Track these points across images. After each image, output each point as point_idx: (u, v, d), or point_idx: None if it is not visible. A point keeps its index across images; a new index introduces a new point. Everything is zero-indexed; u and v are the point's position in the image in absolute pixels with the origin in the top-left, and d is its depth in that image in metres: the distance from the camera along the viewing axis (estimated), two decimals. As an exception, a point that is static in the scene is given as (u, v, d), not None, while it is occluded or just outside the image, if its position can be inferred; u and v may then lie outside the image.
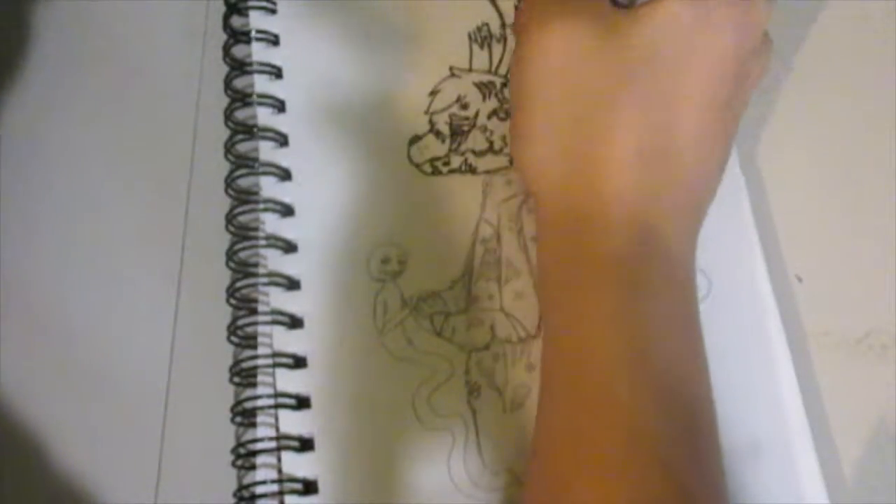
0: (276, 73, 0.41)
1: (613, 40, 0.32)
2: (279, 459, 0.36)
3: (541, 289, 0.35)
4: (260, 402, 0.37)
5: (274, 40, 0.42)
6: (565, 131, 0.33)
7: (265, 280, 0.38)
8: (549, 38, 0.33)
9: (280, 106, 0.41)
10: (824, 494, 0.35)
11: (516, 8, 0.41)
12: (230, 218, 0.39)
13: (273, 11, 0.42)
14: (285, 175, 0.40)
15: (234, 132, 0.40)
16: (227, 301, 0.38)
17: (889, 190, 0.41)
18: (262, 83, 0.41)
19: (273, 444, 0.36)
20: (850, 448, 0.37)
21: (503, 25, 0.42)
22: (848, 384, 0.38)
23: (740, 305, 0.38)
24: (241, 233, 0.39)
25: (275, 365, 0.37)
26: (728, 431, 0.36)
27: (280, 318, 0.38)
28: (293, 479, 0.36)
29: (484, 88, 0.41)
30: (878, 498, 0.36)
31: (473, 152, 0.40)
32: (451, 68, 0.41)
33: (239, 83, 0.41)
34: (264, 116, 0.40)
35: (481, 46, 0.41)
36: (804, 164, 0.41)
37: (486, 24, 0.42)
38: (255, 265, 0.39)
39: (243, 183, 0.40)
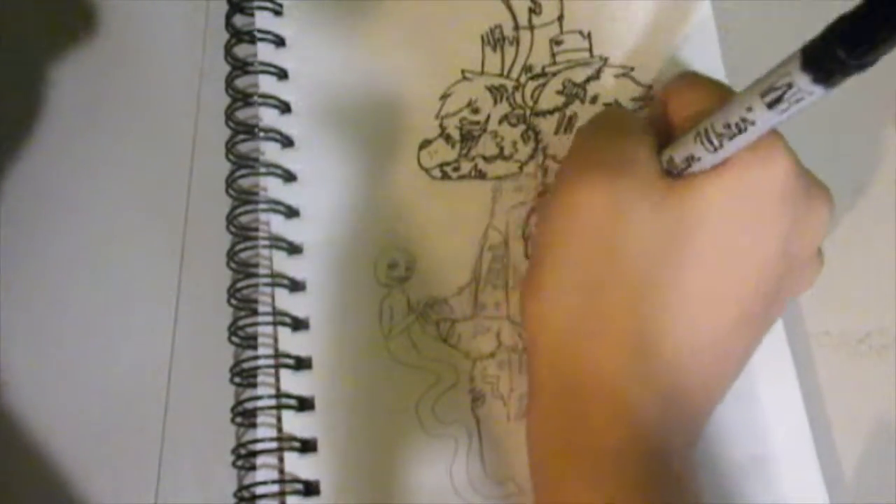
0: (282, 74, 0.41)
1: (650, 209, 0.30)
2: (280, 460, 0.36)
3: (530, 465, 0.32)
4: (260, 403, 0.37)
5: (280, 41, 0.41)
6: (577, 299, 0.31)
7: (267, 280, 0.38)
8: (585, 193, 0.30)
9: (285, 107, 0.40)
10: (825, 496, 0.35)
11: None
12: (231, 218, 0.39)
13: (279, 13, 0.41)
14: (290, 176, 0.39)
15: (235, 132, 0.40)
16: (228, 301, 0.38)
17: (889, 190, 0.41)
18: (267, 84, 0.40)
19: (274, 445, 0.36)
20: (850, 448, 0.37)
21: (517, 28, 0.41)
22: (848, 384, 0.38)
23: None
24: (242, 233, 0.39)
25: (278, 366, 0.37)
26: (728, 434, 0.36)
27: (284, 319, 0.37)
28: (294, 480, 0.35)
29: (496, 92, 0.40)
30: (879, 498, 0.37)
31: (483, 158, 0.40)
32: (462, 71, 0.41)
33: (240, 83, 0.41)
34: (269, 117, 0.40)
35: (494, 49, 0.41)
36: (803, 164, 0.41)
37: (500, 26, 0.41)
38: (256, 266, 0.38)
39: (244, 183, 0.39)
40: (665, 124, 0.33)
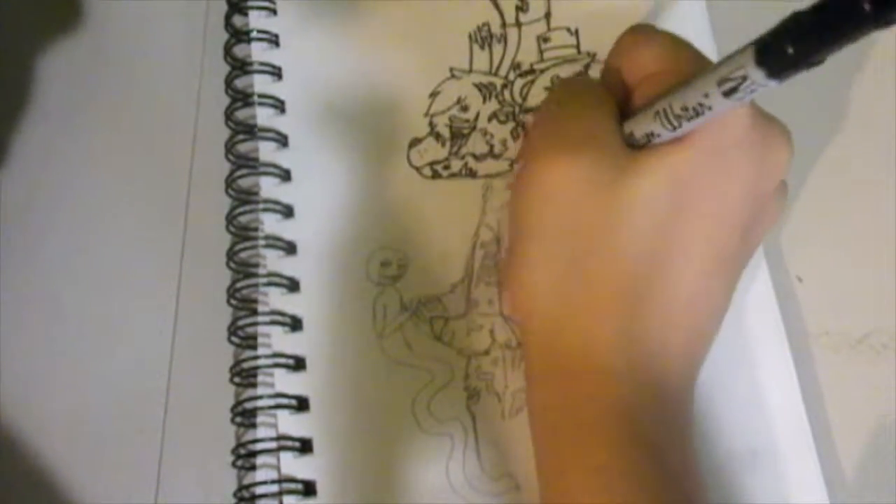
0: (277, 73, 0.41)
1: (618, 182, 0.30)
2: (279, 460, 0.36)
3: (532, 432, 0.33)
4: (260, 403, 0.37)
5: (274, 41, 0.41)
6: (559, 268, 0.31)
7: (265, 281, 0.38)
8: (552, 169, 0.31)
9: (280, 107, 0.40)
10: (825, 495, 0.36)
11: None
12: (230, 218, 0.39)
13: (273, 12, 0.42)
14: (285, 176, 0.39)
15: (235, 132, 0.40)
16: (228, 301, 0.38)
17: (889, 190, 0.41)
18: (262, 84, 0.40)
19: (273, 445, 0.36)
20: (850, 448, 0.37)
21: (504, 25, 0.41)
22: (848, 384, 0.38)
23: (740, 306, 0.38)
24: (242, 233, 0.39)
25: (274, 366, 0.37)
26: (728, 433, 0.36)
27: (279, 319, 0.38)
28: (292, 480, 0.36)
29: (484, 90, 0.40)
30: (879, 498, 0.37)
31: (473, 156, 0.40)
32: (451, 69, 0.41)
33: (240, 83, 0.41)
34: (264, 117, 0.40)
35: (482, 47, 0.41)
36: (804, 165, 0.41)
37: (487, 24, 0.41)
38: (256, 266, 0.39)
39: (244, 183, 0.40)
40: (621, 86, 0.34)
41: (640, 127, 0.31)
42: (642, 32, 0.34)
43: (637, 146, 0.31)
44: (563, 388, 0.31)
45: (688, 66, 0.31)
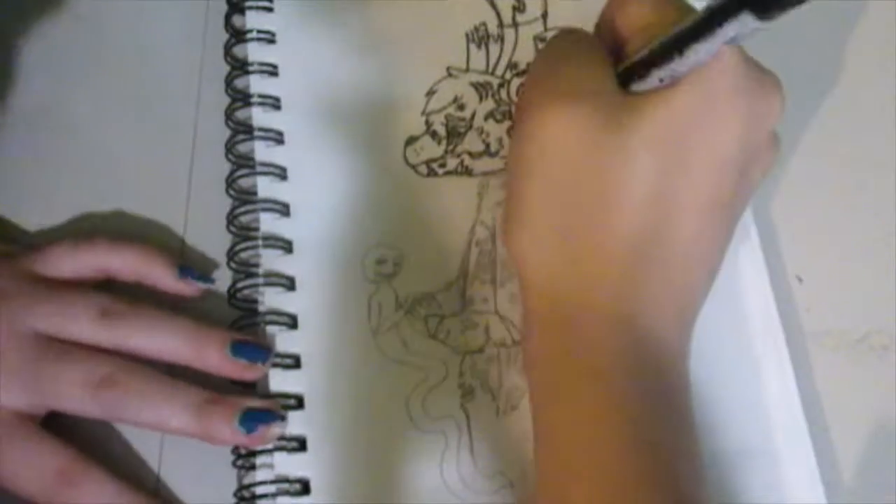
0: (273, 71, 0.41)
1: (616, 128, 0.31)
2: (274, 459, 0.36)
3: (530, 383, 0.33)
4: (260, 403, 0.37)
5: (270, 38, 0.42)
6: (558, 219, 0.32)
7: (261, 280, 0.38)
8: (550, 116, 0.32)
9: (276, 104, 0.41)
10: (822, 496, 0.35)
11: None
12: (231, 218, 0.39)
13: (270, 10, 0.42)
14: (282, 174, 0.40)
15: (235, 132, 0.40)
16: (229, 301, 0.38)
17: (889, 190, 0.40)
18: (257, 82, 0.41)
19: (270, 445, 0.36)
20: (849, 448, 0.37)
21: (500, 25, 0.41)
22: (848, 384, 0.38)
23: (740, 306, 0.38)
24: (243, 233, 0.39)
25: (272, 365, 0.37)
26: (727, 433, 0.36)
27: (276, 318, 0.38)
28: (289, 480, 0.36)
29: (481, 89, 0.41)
30: (878, 498, 0.36)
31: (469, 154, 0.40)
32: (447, 68, 0.41)
33: (240, 83, 0.41)
34: (260, 115, 0.40)
35: (479, 46, 0.41)
36: (804, 165, 0.41)
37: (484, 24, 0.41)
38: (257, 265, 0.39)
39: (244, 183, 0.40)
40: (614, 39, 0.34)
41: (633, 74, 0.32)
42: None
43: (631, 93, 0.32)
44: (563, 334, 0.32)
45: (679, 17, 0.32)
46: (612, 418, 0.30)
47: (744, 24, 0.27)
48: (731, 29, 0.27)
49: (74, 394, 0.35)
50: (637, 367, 0.30)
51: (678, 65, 0.30)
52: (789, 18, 0.26)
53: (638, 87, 0.32)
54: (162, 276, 0.37)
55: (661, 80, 0.31)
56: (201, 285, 0.38)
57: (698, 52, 0.29)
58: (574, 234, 0.32)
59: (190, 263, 0.39)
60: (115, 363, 0.35)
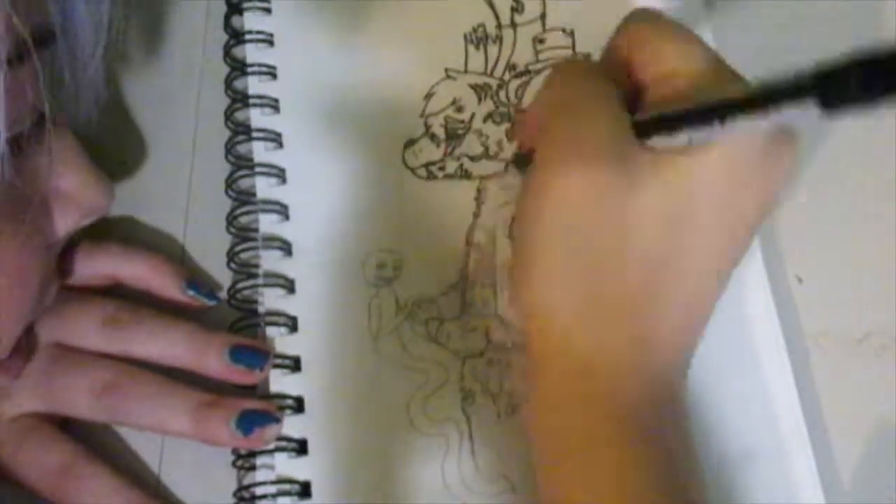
0: (271, 73, 0.41)
1: (629, 189, 0.30)
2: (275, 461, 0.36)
3: (536, 436, 0.32)
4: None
5: (269, 40, 0.41)
6: (571, 273, 0.31)
7: (262, 282, 0.38)
8: (564, 176, 0.31)
9: (275, 106, 0.40)
10: (821, 496, 0.35)
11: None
12: (231, 219, 0.39)
13: (268, 11, 0.42)
14: (281, 176, 0.39)
15: (235, 133, 0.40)
16: (229, 302, 0.38)
17: (889, 190, 0.40)
18: (256, 84, 0.41)
19: (270, 446, 0.36)
20: (848, 449, 0.37)
21: (499, 26, 0.41)
22: (847, 385, 0.38)
23: (740, 306, 0.38)
24: (243, 234, 0.39)
25: (272, 367, 0.37)
26: (725, 434, 0.36)
27: (276, 320, 0.38)
28: (289, 482, 0.36)
29: (479, 91, 0.40)
30: (877, 498, 0.36)
31: (469, 157, 0.40)
32: (446, 70, 0.41)
33: (239, 84, 0.41)
34: (258, 117, 0.40)
35: (477, 47, 0.41)
36: (804, 165, 0.41)
37: (482, 25, 0.41)
38: (257, 266, 0.39)
39: (243, 184, 0.40)
40: (627, 76, 0.33)
41: (657, 127, 0.30)
42: (655, 22, 0.33)
43: (648, 146, 0.31)
44: (573, 391, 0.31)
45: (706, 68, 0.31)
46: (623, 464, 0.30)
47: (804, 113, 0.25)
48: (789, 114, 0.25)
49: (81, 400, 0.36)
50: (644, 415, 0.30)
51: (713, 133, 0.28)
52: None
53: (660, 141, 0.30)
54: (169, 287, 0.38)
55: (689, 142, 0.29)
56: (207, 302, 0.38)
57: (743, 127, 0.27)
58: (585, 293, 0.31)
59: (195, 274, 0.39)
60: (118, 369, 0.36)
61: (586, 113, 0.32)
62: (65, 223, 0.34)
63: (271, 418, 0.36)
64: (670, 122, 0.30)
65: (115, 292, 0.38)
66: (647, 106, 0.32)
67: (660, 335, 0.31)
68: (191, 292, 0.38)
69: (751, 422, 0.36)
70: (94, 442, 0.37)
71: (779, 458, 0.36)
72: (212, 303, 0.39)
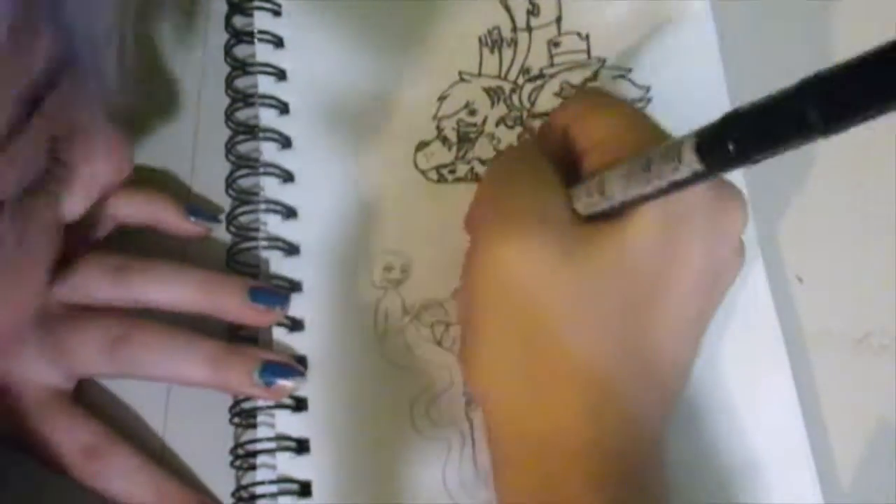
0: (281, 75, 0.41)
1: (569, 260, 0.30)
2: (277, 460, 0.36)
3: None
4: (260, 403, 0.37)
5: (278, 42, 0.41)
6: (516, 348, 0.31)
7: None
8: (502, 249, 0.31)
9: (284, 108, 0.40)
10: (820, 496, 0.35)
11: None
12: (231, 218, 0.39)
13: (278, 13, 0.41)
14: (288, 177, 0.39)
15: (235, 132, 0.40)
16: (229, 301, 0.38)
17: (889, 190, 0.40)
18: (265, 85, 0.40)
19: (272, 445, 0.36)
20: (848, 449, 0.37)
21: (514, 29, 0.41)
22: (847, 385, 0.38)
23: (739, 306, 0.37)
24: (242, 233, 0.39)
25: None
26: (723, 435, 0.36)
27: (281, 319, 0.38)
28: (290, 481, 0.36)
29: (492, 94, 0.40)
30: (877, 499, 0.37)
31: (480, 161, 0.40)
32: (460, 73, 0.41)
33: (240, 83, 0.41)
34: (267, 118, 0.40)
35: (492, 50, 0.41)
36: (804, 165, 0.40)
37: (498, 28, 0.41)
38: (257, 266, 0.39)
39: (244, 183, 0.40)
40: (566, 150, 0.34)
41: (588, 198, 0.32)
42: (596, 98, 0.35)
43: (587, 215, 0.32)
44: (531, 469, 0.31)
45: (642, 136, 0.31)
46: None
47: (687, 164, 0.26)
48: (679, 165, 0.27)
49: (92, 357, 0.35)
50: (608, 486, 0.30)
51: (644, 192, 0.29)
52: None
53: (594, 204, 0.31)
54: (171, 216, 0.38)
55: (621, 204, 0.30)
56: (209, 224, 0.38)
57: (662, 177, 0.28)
58: (532, 367, 0.31)
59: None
60: (128, 321, 0.36)
61: (518, 186, 0.33)
62: (83, 202, 0.34)
63: (295, 371, 0.36)
64: (599, 184, 0.31)
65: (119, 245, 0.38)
66: (583, 172, 0.33)
67: (621, 404, 0.31)
68: (193, 219, 0.38)
69: (750, 422, 0.36)
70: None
71: (778, 458, 0.36)
72: (214, 224, 0.39)
